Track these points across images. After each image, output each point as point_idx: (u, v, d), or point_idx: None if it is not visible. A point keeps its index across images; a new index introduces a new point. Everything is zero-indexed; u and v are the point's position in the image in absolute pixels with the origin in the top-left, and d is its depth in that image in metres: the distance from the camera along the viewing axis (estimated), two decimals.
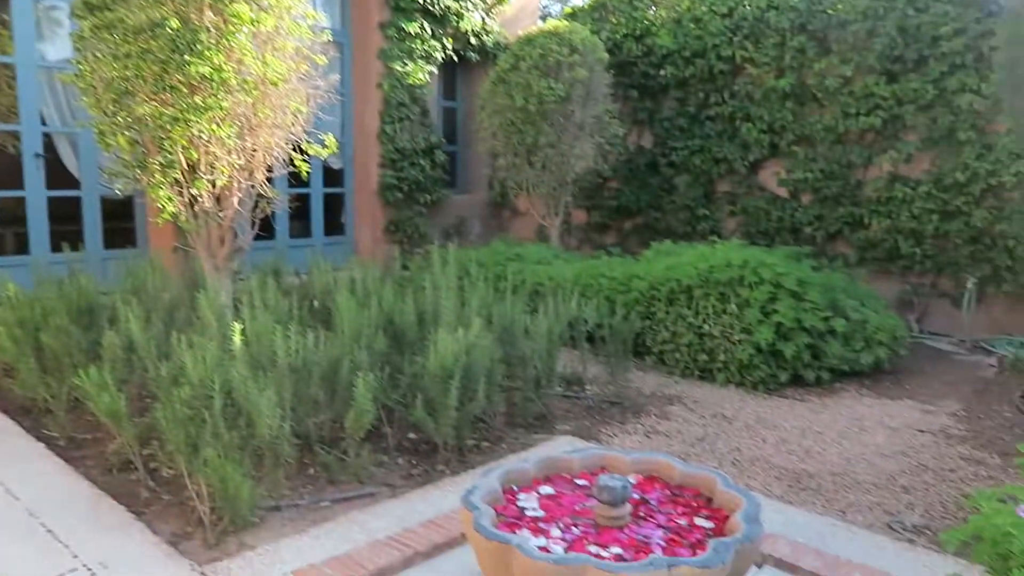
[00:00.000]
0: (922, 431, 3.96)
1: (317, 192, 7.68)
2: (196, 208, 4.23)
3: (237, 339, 3.14)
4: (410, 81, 7.92)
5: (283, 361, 3.27)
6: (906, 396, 4.56)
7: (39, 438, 3.61)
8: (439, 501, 3.05)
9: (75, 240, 6.27)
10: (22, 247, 6.13)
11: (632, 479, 2.60)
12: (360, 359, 3.52)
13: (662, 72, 7.86)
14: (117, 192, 4.52)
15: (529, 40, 7.18)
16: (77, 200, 6.37)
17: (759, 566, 2.65)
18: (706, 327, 4.75)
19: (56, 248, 6.22)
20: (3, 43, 6.08)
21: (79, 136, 6.27)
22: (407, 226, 7.85)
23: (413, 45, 7.89)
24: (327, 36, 4.64)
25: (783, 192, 6.93)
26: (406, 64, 7.85)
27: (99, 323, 4.31)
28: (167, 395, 3.06)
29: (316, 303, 4.71)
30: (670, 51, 7.72)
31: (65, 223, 6.36)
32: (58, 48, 6.21)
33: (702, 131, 7.53)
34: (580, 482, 2.64)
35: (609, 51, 7.48)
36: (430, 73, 8.11)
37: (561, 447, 3.59)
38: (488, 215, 8.89)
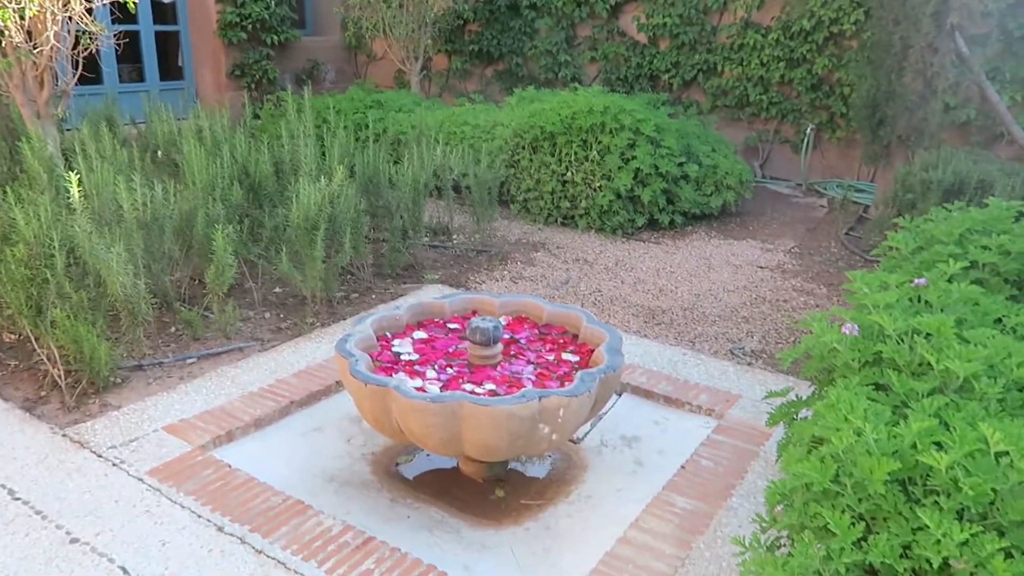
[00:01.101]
0: (761, 267, 4.33)
1: (147, 29, 6.88)
2: (4, 44, 3.70)
3: (75, 191, 2.86)
4: None
5: (130, 215, 3.04)
6: (749, 236, 4.93)
7: None
8: (312, 352, 3.05)
9: None
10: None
11: (503, 320, 2.70)
12: (216, 212, 3.34)
13: None
14: None
15: None
16: None
17: (619, 394, 2.89)
18: (569, 174, 4.83)
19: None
20: None
21: None
22: (254, 70, 7.25)
23: None
24: None
25: (642, 38, 6.94)
26: None
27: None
28: (1, 256, 2.79)
29: (160, 154, 4.35)
30: None
31: None
32: None
33: None
34: (452, 326, 2.71)
35: None
36: None
37: (431, 295, 3.65)
38: (342, 60, 8.37)
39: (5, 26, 3.62)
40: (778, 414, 1.72)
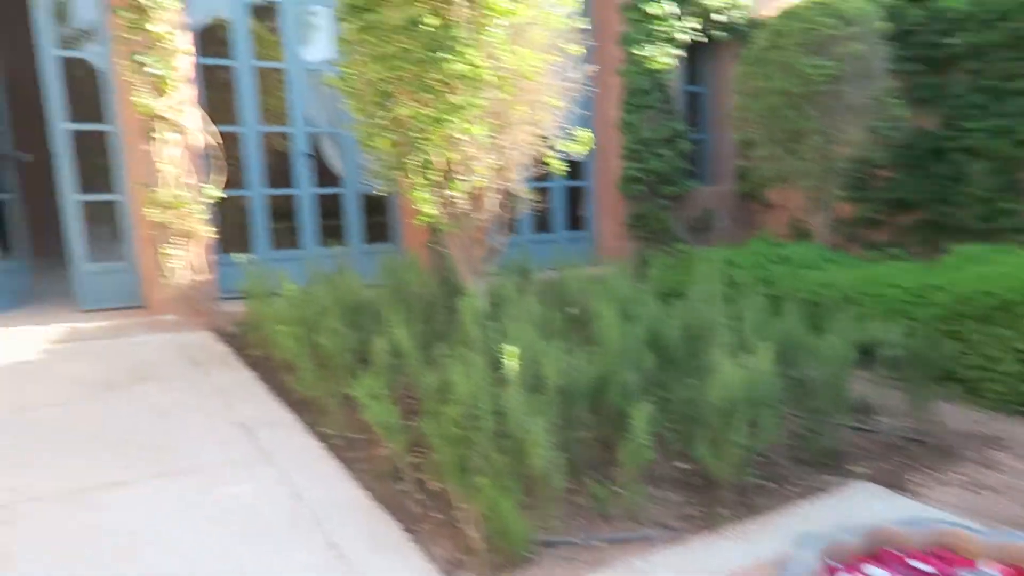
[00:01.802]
0: None
1: (559, 186, 7.54)
2: (453, 210, 4.18)
3: (509, 362, 2.95)
4: (652, 66, 7.50)
5: (552, 382, 3.06)
6: None
7: (317, 435, 3.73)
8: (725, 553, 2.68)
9: (338, 235, 6.65)
10: (294, 241, 6.59)
11: (994, 572, 2.06)
12: (628, 380, 3.23)
13: (952, 40, 6.73)
14: (377, 191, 4.61)
15: (791, 13, 6.46)
16: (339, 197, 6.73)
17: None
18: None
19: (323, 242, 6.64)
20: (275, 49, 6.53)
21: (341, 136, 6.61)
22: (650, 220, 7.47)
23: (655, 27, 7.46)
24: (581, 23, 4.36)
25: None
26: (648, 48, 7.43)
27: (365, 323, 4.43)
28: (436, 411, 2.98)
29: (571, 310, 4.49)
30: (962, 14, 6.59)
31: (329, 218, 6.76)
32: (318, 51, 6.57)
33: (1004, 109, 6.35)
34: (916, 563, 2.14)
35: (884, 19, 6.53)
36: (673, 57, 7.63)
37: (861, 497, 3.06)
38: (735, 207, 8.26)
39: (456, 195, 4.10)
40: None
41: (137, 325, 5.61)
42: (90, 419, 3.86)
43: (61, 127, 5.51)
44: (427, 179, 3.93)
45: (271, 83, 6.46)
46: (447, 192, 4.00)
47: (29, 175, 6.48)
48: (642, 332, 3.66)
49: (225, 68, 6.23)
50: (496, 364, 3.17)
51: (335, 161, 6.73)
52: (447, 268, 5.43)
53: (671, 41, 7.56)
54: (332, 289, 4.94)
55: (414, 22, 3.49)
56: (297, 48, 6.33)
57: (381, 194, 6.86)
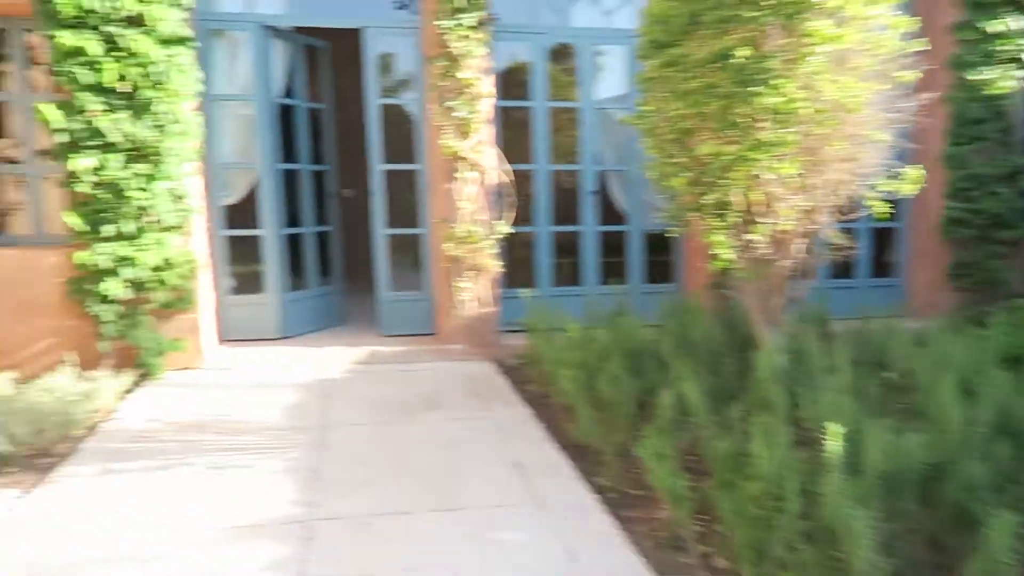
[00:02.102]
0: None
1: (866, 227, 6.74)
2: (753, 255, 3.81)
3: (831, 441, 2.53)
4: (989, 92, 6.42)
5: (875, 466, 2.58)
6: None
7: (593, 486, 3.57)
8: None
9: (618, 273, 6.54)
10: (575, 278, 6.61)
11: None
12: (974, 473, 2.63)
13: None
14: (670, 232, 4.38)
15: None
16: (623, 235, 6.63)
17: None
18: None
19: (603, 280, 6.58)
20: (567, 89, 6.64)
21: (627, 174, 6.52)
22: (978, 269, 6.37)
23: (995, 47, 6.39)
24: (917, 46, 3.77)
25: None
26: (985, 71, 6.39)
27: (647, 369, 4.22)
28: (730, 481, 2.65)
29: (888, 374, 3.88)
30: None
31: (611, 256, 6.68)
32: (609, 90, 6.55)
33: None
34: None
35: None
36: (1018, 80, 6.47)
37: None
38: None
39: (758, 239, 3.73)
40: None
41: (428, 352, 5.96)
42: (383, 444, 4.08)
43: (379, 167, 6.08)
44: (726, 221, 3.63)
45: (562, 122, 6.58)
46: (747, 236, 3.66)
47: (345, 209, 7.26)
48: (988, 411, 3.00)
49: (520, 109, 6.47)
50: (803, 435, 2.76)
51: (620, 199, 6.66)
52: (735, 314, 5.04)
53: (1016, 62, 6.43)
54: (612, 330, 4.81)
55: (723, 55, 3.24)
56: (589, 87, 6.38)
57: (664, 233, 6.72)
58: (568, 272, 6.68)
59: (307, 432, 4.23)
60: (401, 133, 6.31)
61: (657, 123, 3.71)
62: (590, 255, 6.55)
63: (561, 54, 6.49)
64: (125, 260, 5.09)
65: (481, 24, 5.64)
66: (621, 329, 4.79)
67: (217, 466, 3.71)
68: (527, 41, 6.19)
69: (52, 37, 4.91)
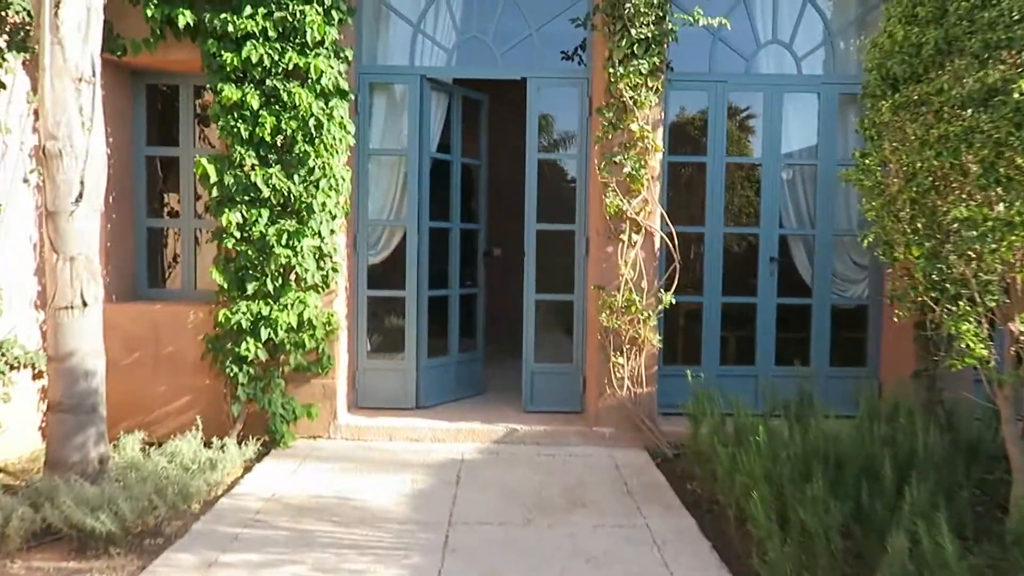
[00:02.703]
0: None
1: None
2: (1018, 350, 2.90)
3: None
4: None
5: None
6: None
7: None
8: None
9: (798, 352, 5.64)
10: (747, 356, 5.75)
11: None
12: None
13: None
14: (898, 315, 3.52)
15: None
16: (805, 308, 5.72)
17: None
18: None
19: (780, 359, 5.68)
20: (745, 144, 5.91)
21: (814, 239, 5.65)
22: None
23: None
24: None
25: None
26: None
27: (849, 482, 3.35)
28: None
29: None
30: None
31: (789, 331, 5.78)
32: (796, 142, 5.75)
33: None
34: None
35: None
36: None
37: None
38: None
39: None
40: None
41: (574, 434, 5.30)
42: (516, 555, 3.44)
43: (533, 226, 5.60)
44: (980, 305, 2.76)
45: (736, 179, 5.86)
46: (1011, 326, 2.77)
47: (490, 267, 6.81)
48: None
49: (690, 165, 5.81)
50: None
51: (804, 267, 5.77)
52: (958, 418, 4.04)
53: None
54: (800, 427, 3.96)
55: (991, 90, 2.45)
56: (772, 140, 5.62)
57: (856, 307, 5.78)
58: (739, 349, 5.83)
59: (431, 529, 3.66)
60: (558, 190, 5.83)
61: (886, 179, 2.93)
62: (766, 330, 5.69)
63: (739, 104, 5.79)
64: (264, 319, 4.84)
65: (655, 71, 5.07)
66: (810, 426, 3.93)
67: (326, 569, 3.21)
68: (703, 90, 5.56)
69: (217, 91, 4.84)
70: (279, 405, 4.95)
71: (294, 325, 4.88)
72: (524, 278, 5.64)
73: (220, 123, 4.88)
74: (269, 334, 4.84)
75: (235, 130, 4.83)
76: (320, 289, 5.08)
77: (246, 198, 4.88)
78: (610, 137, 5.13)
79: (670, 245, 5.23)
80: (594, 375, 5.39)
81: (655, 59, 5.05)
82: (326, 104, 4.97)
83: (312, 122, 4.87)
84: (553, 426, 5.38)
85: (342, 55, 5.07)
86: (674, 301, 5.21)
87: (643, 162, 5.09)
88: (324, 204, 4.94)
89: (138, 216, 5.59)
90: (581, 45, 5.70)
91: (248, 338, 4.83)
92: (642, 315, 5.17)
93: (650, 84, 5.07)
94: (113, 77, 5.25)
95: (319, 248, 4.98)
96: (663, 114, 5.23)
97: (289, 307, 4.89)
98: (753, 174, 5.76)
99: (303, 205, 4.89)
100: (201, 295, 5.41)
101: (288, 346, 4.93)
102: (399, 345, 5.69)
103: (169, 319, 5.20)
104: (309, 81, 4.91)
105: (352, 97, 5.16)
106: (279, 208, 4.93)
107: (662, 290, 5.21)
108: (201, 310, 5.14)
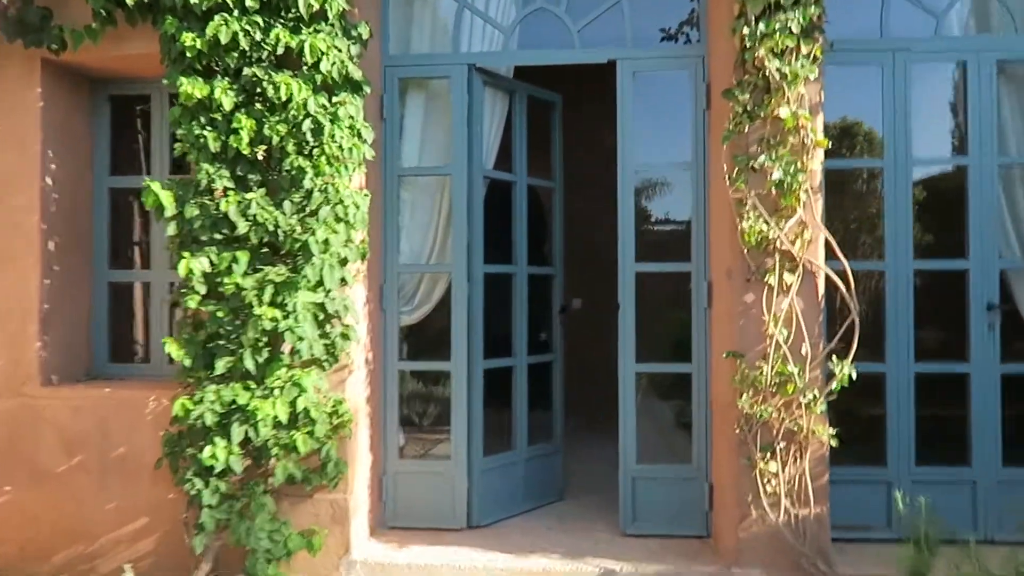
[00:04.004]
0: None
1: None
2: None
3: None
4: None
5: None
6: None
7: None
8: None
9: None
10: (957, 451, 3.85)
11: None
12: None
13: None
14: None
15: None
16: None
17: None
18: None
19: (1010, 457, 3.78)
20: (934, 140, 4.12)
21: None
22: None
23: None
24: None
25: None
26: None
27: None
28: None
29: None
30: None
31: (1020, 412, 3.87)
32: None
33: None
34: None
35: None
36: None
37: None
38: None
39: None
40: None
41: None
42: None
43: (631, 268, 3.92)
44: None
45: (931, 190, 4.03)
46: None
47: (569, 325, 5.14)
48: None
49: (852, 172, 4.05)
50: None
51: None
52: None
53: None
54: None
55: None
56: (984, 133, 3.81)
57: None
58: (944, 441, 3.93)
59: None
60: (663, 216, 4.15)
61: None
62: (985, 413, 3.78)
63: (926, 82, 3.99)
64: (240, 411, 3.30)
65: (811, 31, 3.37)
66: None
67: None
68: (872, 63, 3.82)
69: (175, 87, 3.42)
70: (264, 537, 3.35)
71: (283, 419, 3.31)
72: (619, 340, 3.94)
73: (180, 132, 3.44)
74: (247, 432, 3.29)
75: (200, 141, 3.38)
76: (325, 364, 3.52)
77: (216, 236, 3.39)
78: (745, 130, 3.44)
79: (843, 290, 3.45)
80: (729, 484, 3.61)
81: (811, 9, 3.35)
82: (330, 100, 3.48)
83: (308, 124, 3.37)
84: (668, 563, 3.59)
85: (354, 33, 3.60)
86: (855, 375, 3.39)
87: (799, 165, 3.36)
88: (328, 242, 3.40)
89: (97, 267, 4.20)
90: (688, 20, 4.07)
91: (216, 439, 3.28)
92: (804, 396, 3.38)
93: (804, 49, 3.37)
94: (62, 86, 3.95)
95: (321, 306, 3.43)
96: (822, 95, 3.51)
97: (277, 392, 3.33)
98: (952, 183, 3.93)
99: (296, 244, 3.36)
100: (162, 372, 3.96)
101: (276, 449, 3.36)
102: (443, 439, 4.06)
103: (121, 408, 3.74)
104: (305, 69, 3.43)
105: (367, 90, 3.65)
106: (263, 250, 3.42)
107: (834, 357, 3.40)
108: (167, 394, 3.66)
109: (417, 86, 4.18)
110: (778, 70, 3.34)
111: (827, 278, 3.46)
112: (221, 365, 3.33)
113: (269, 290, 3.30)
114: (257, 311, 3.28)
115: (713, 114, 3.80)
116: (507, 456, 4.25)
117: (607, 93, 4.04)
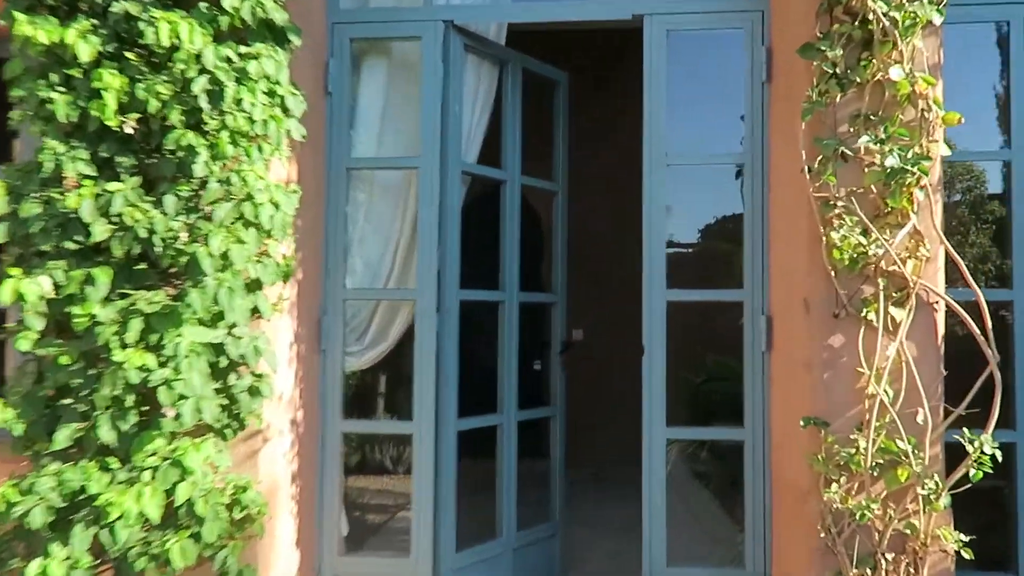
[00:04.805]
0: None
1: None
2: None
3: None
4: None
5: None
6: None
7: None
8: None
9: None
10: None
11: None
12: None
13: None
14: None
15: None
16: None
17: None
18: None
19: None
20: None
21: None
22: None
23: None
24: None
25: None
26: None
27: None
28: None
29: None
30: None
31: None
32: None
33: None
34: None
35: None
36: None
37: None
38: None
39: None
40: None
41: None
42: None
43: (662, 295, 2.85)
44: None
45: None
46: None
47: (588, 369, 4.08)
48: None
49: (967, 168, 3.02)
50: None
51: None
52: None
53: None
54: None
55: None
56: None
57: None
58: None
59: None
60: (703, 228, 3.10)
61: None
62: None
63: None
64: (89, 504, 2.21)
65: None
66: None
67: None
68: (995, 17, 2.79)
69: (12, 31, 2.36)
70: None
71: (154, 517, 2.21)
72: (643, 394, 2.87)
73: (21, 95, 2.38)
74: (96, 536, 2.19)
75: (45, 107, 2.32)
76: (226, 432, 2.44)
77: (66, 246, 2.31)
78: (837, 100, 2.39)
79: (973, 329, 2.39)
80: None
81: None
82: (236, 52, 2.43)
83: (203, 84, 2.32)
84: None
85: None
86: (997, 451, 2.32)
87: (919, 150, 2.31)
88: (228, 256, 2.33)
89: None
90: None
91: (51, 545, 2.18)
92: (922, 486, 2.31)
93: None
94: None
95: (219, 347, 2.35)
96: (941, 53, 2.47)
97: (148, 476, 2.24)
98: None
99: (183, 258, 2.29)
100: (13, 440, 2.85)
101: (141, 562, 2.26)
102: (402, 526, 2.96)
103: None
104: (202, 7, 2.39)
105: (295, 41, 2.60)
106: (138, 266, 2.35)
107: (972, 431, 2.33)
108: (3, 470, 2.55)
109: (376, 51, 3.14)
110: (886, 14, 2.29)
111: (959, 312, 2.40)
112: (63, 436, 2.24)
113: (135, 324, 2.23)
114: (117, 356, 2.20)
115: (776, 88, 2.77)
116: (489, 547, 3.15)
117: (624, 74, 3.01)
